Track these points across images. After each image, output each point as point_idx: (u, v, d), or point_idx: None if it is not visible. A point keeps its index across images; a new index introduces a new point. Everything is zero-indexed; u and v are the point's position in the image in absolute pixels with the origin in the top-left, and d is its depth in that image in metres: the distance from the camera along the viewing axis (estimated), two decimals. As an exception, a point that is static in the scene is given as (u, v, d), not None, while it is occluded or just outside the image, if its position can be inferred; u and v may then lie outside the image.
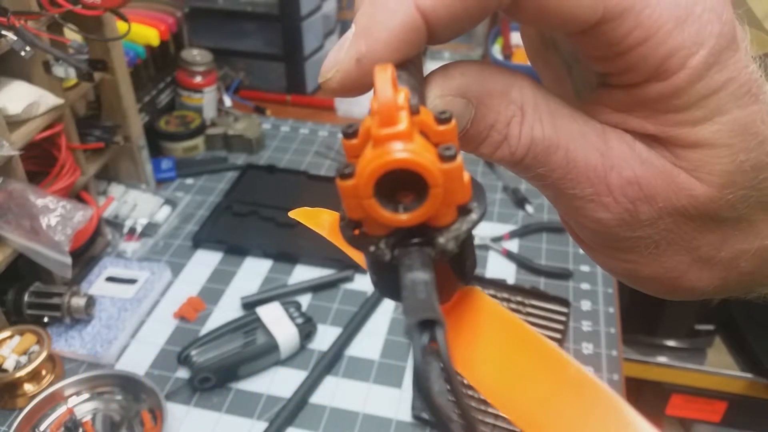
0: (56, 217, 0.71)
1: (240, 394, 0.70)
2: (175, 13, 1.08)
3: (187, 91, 1.10)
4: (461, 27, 0.18)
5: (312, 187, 1.01)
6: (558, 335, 0.76)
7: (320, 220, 0.24)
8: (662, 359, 1.27)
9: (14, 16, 0.66)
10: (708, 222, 0.21)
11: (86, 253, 0.84)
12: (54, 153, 0.79)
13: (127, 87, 0.88)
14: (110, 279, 0.83)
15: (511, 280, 0.84)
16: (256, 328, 0.73)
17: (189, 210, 0.96)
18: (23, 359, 0.68)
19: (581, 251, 0.81)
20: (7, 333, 0.69)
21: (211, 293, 0.83)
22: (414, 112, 0.16)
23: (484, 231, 0.92)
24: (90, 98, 0.93)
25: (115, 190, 0.94)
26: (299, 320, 0.74)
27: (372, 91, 0.17)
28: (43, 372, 0.70)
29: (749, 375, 1.23)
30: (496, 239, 0.91)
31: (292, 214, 0.25)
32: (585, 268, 0.87)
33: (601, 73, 0.21)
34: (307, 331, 0.74)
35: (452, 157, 0.16)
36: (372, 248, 0.17)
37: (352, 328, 0.77)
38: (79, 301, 0.74)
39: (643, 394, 1.29)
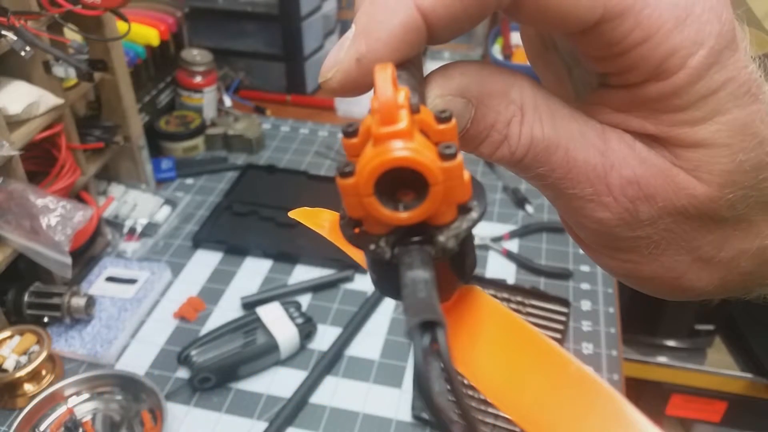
0: (56, 217, 0.71)
1: (240, 394, 0.70)
2: (175, 13, 1.08)
3: (187, 91, 1.10)
4: (461, 27, 0.18)
5: (312, 187, 1.01)
6: (558, 335, 0.76)
7: (320, 220, 0.24)
8: (662, 359, 1.27)
9: (14, 16, 0.66)
10: (708, 222, 0.21)
11: (86, 253, 0.84)
12: (54, 153, 0.79)
13: (127, 87, 0.88)
14: (110, 279, 0.83)
15: (511, 280, 0.84)
16: (256, 328, 0.73)
17: (189, 210, 0.96)
18: (23, 359, 0.68)
19: (581, 251, 0.81)
20: (7, 333, 0.70)
21: (211, 293, 0.83)
22: (414, 111, 0.16)
23: (484, 231, 0.92)
24: (90, 98, 0.93)
25: (115, 190, 0.94)
26: (299, 320, 0.74)
27: (372, 91, 0.17)
28: (43, 372, 0.70)
29: (749, 375, 1.23)
30: (496, 239, 0.91)
31: (292, 214, 0.25)
32: (585, 268, 0.87)
33: (601, 74, 0.21)
34: (307, 331, 0.74)
35: (452, 156, 0.16)
36: (372, 246, 0.17)
37: (352, 328, 0.77)
38: (79, 301, 0.74)
39: (643, 394, 1.29)
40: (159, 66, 1.06)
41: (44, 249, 0.71)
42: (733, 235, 0.22)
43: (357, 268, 0.85)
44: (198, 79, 1.09)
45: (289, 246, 0.88)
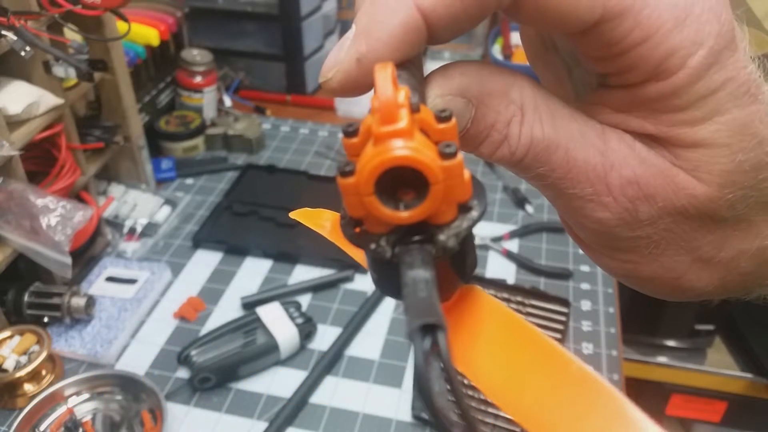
0: (56, 217, 0.72)
1: (240, 394, 0.70)
2: (175, 13, 1.08)
3: (187, 91, 1.10)
4: (461, 27, 0.18)
5: (312, 187, 1.01)
6: (558, 335, 0.76)
7: (321, 221, 0.24)
8: (662, 359, 1.27)
9: (14, 16, 0.66)
10: (708, 222, 0.21)
11: (86, 253, 0.84)
12: (54, 153, 0.79)
13: (127, 87, 0.88)
14: (110, 279, 0.83)
15: (511, 280, 0.84)
16: (256, 328, 0.73)
17: (189, 210, 0.97)
18: (23, 359, 0.68)
19: (581, 251, 0.81)
20: (7, 333, 0.70)
21: (211, 293, 0.83)
22: (414, 110, 0.16)
23: (484, 231, 0.92)
24: (90, 98, 0.93)
25: (115, 190, 0.94)
26: (299, 320, 0.74)
27: (372, 91, 0.17)
28: (43, 372, 0.70)
29: (749, 375, 1.23)
30: (496, 239, 0.91)
31: (293, 214, 0.25)
32: (585, 268, 0.87)
33: (601, 74, 0.21)
34: (307, 331, 0.74)
35: (452, 155, 0.16)
36: (373, 246, 0.17)
37: (352, 328, 0.77)
38: (79, 301, 0.74)
39: (643, 394, 1.29)
40: (159, 66, 1.06)
41: (44, 249, 0.71)
42: (732, 236, 0.22)
43: (357, 268, 0.85)
44: (198, 79, 1.09)
45: (289, 246, 0.88)
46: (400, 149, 0.15)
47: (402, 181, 0.16)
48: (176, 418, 0.67)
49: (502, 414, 0.66)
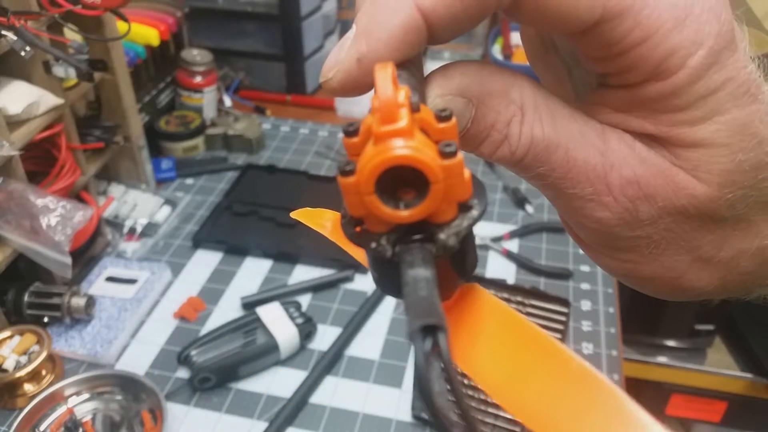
0: (56, 217, 0.72)
1: (240, 394, 0.70)
2: (175, 13, 1.09)
3: (187, 91, 1.10)
4: (461, 27, 0.18)
5: (312, 187, 1.01)
6: (558, 335, 0.76)
7: (322, 220, 0.24)
8: (662, 359, 1.27)
9: (14, 16, 0.66)
10: (707, 221, 0.21)
11: (86, 253, 0.84)
12: (54, 153, 0.79)
13: (127, 87, 0.88)
14: (110, 279, 0.83)
15: (511, 280, 0.84)
16: (256, 328, 0.73)
17: (189, 210, 0.97)
18: (23, 359, 0.68)
19: (581, 251, 0.81)
20: (7, 333, 0.70)
21: (211, 293, 0.83)
22: (414, 109, 0.16)
23: (484, 231, 0.92)
24: (90, 98, 0.93)
25: (115, 190, 0.94)
26: (299, 320, 0.74)
27: (373, 90, 0.17)
28: (43, 372, 0.70)
29: (749, 375, 1.23)
30: (496, 239, 0.91)
31: (294, 214, 0.25)
32: (585, 268, 0.87)
33: (601, 74, 0.21)
34: (307, 331, 0.74)
35: (452, 154, 0.16)
36: (373, 245, 0.17)
37: (352, 328, 0.77)
38: (79, 301, 0.74)
39: (643, 394, 1.29)
40: (159, 66, 1.06)
41: (44, 249, 0.71)
42: (732, 235, 0.22)
43: (357, 268, 0.85)
44: (198, 79, 1.09)
45: (289, 246, 0.88)
46: (400, 148, 0.15)
47: (402, 181, 0.16)
48: (176, 418, 0.67)
49: (502, 414, 0.66)
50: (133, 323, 0.77)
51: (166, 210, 0.94)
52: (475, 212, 0.17)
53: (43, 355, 0.68)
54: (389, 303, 0.81)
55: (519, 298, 0.80)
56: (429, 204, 0.16)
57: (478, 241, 0.89)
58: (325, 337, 0.76)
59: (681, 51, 0.18)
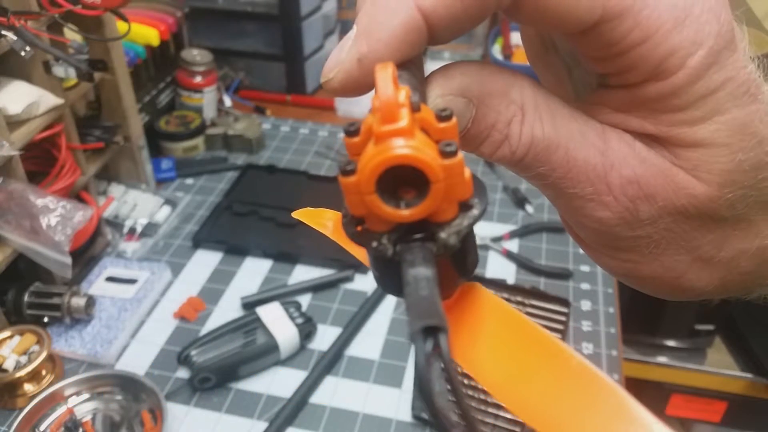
0: (56, 217, 0.72)
1: (240, 394, 0.70)
2: (175, 13, 1.09)
3: (187, 91, 1.10)
4: (461, 27, 0.18)
5: (312, 187, 1.01)
6: (558, 335, 0.76)
7: (323, 220, 0.24)
8: (662, 359, 1.27)
9: (14, 16, 0.66)
10: (708, 221, 0.21)
11: (86, 253, 0.84)
12: (54, 153, 0.79)
13: (127, 87, 0.88)
14: (110, 279, 0.83)
15: (511, 280, 0.85)
16: (256, 328, 0.73)
17: (189, 210, 0.97)
18: (23, 359, 0.68)
19: (581, 251, 0.81)
20: (7, 333, 0.70)
21: (211, 293, 0.83)
22: (415, 109, 0.16)
23: (484, 231, 0.92)
24: (90, 98, 0.93)
25: (115, 190, 0.94)
26: (299, 320, 0.74)
27: (373, 90, 0.17)
28: (43, 372, 0.70)
29: (749, 375, 1.23)
30: (496, 239, 0.91)
31: (295, 214, 0.25)
32: (585, 268, 0.87)
33: (601, 74, 0.21)
34: (307, 331, 0.74)
35: (453, 153, 0.16)
36: (374, 244, 0.17)
37: (352, 328, 0.77)
38: (79, 301, 0.74)
39: (643, 394, 1.29)
40: (159, 66, 1.06)
41: (44, 249, 0.71)
42: (732, 235, 0.22)
43: (357, 268, 0.85)
44: (198, 79, 1.09)
45: (289, 246, 0.88)
46: (400, 148, 0.15)
47: (403, 180, 0.16)
48: (176, 418, 0.67)
49: (502, 414, 0.66)
50: (133, 323, 0.77)
51: (166, 210, 0.94)
52: (475, 211, 0.17)
53: (43, 355, 0.68)
54: (389, 303, 0.81)
55: (519, 298, 0.80)
56: (430, 203, 0.16)
57: (478, 241, 0.89)
58: (325, 337, 0.76)
59: (681, 51, 0.18)
